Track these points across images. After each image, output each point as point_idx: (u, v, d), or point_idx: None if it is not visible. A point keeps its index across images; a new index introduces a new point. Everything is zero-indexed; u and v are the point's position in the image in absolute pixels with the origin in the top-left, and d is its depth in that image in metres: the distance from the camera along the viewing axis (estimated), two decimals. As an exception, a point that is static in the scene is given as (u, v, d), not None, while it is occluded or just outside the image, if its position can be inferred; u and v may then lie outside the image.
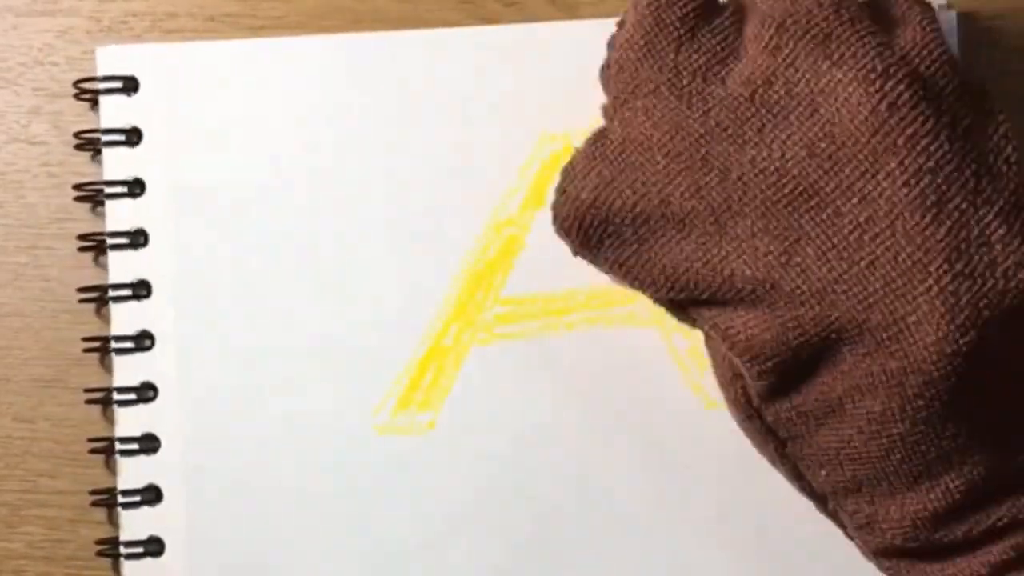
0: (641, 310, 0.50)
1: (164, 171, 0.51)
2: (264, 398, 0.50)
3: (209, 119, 0.51)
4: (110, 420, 0.51)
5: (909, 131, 0.38)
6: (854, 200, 0.38)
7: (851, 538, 0.43)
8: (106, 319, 0.51)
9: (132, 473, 0.50)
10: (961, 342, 0.37)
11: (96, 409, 0.51)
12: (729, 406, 0.43)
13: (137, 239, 0.51)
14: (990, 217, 0.38)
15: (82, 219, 0.52)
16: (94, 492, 0.51)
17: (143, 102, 0.51)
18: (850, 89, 0.39)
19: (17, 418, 0.52)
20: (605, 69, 0.43)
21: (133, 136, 0.51)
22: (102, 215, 0.51)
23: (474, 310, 0.50)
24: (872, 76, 0.39)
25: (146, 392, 0.51)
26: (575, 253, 0.43)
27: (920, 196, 0.38)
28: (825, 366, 0.39)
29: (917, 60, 0.39)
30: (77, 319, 0.52)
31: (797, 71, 0.40)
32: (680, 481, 0.49)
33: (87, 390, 0.51)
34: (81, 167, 0.52)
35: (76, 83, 0.51)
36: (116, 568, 0.51)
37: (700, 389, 0.49)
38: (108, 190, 0.51)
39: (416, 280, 0.50)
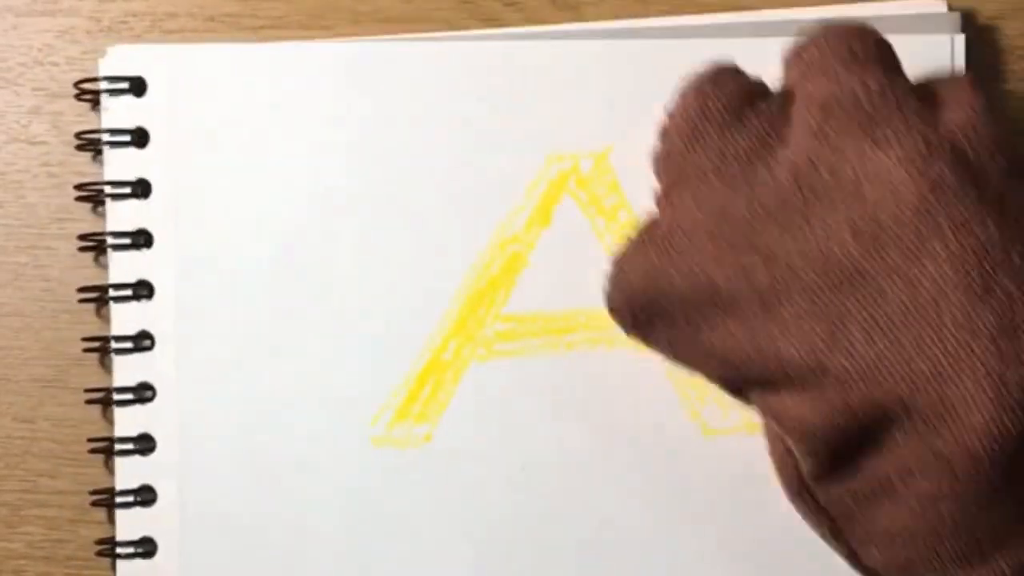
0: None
1: (169, 172, 0.50)
2: (261, 403, 0.50)
3: (215, 122, 0.50)
4: (110, 420, 0.51)
5: (954, 213, 0.38)
6: (900, 282, 0.38)
7: None
8: (106, 319, 0.51)
9: (128, 473, 0.51)
10: (1009, 424, 0.37)
11: (96, 409, 0.51)
12: (781, 484, 0.44)
13: (139, 240, 0.50)
14: None
15: (82, 219, 0.51)
16: (94, 492, 0.51)
17: (150, 103, 0.50)
18: (894, 172, 0.38)
19: (17, 418, 0.52)
20: (655, 158, 0.43)
21: (138, 136, 0.50)
22: (103, 215, 0.51)
23: (475, 326, 0.50)
24: (916, 158, 0.38)
25: (144, 393, 0.50)
26: (627, 334, 0.43)
27: (965, 278, 0.37)
28: (875, 446, 0.39)
29: (963, 141, 0.39)
30: (77, 319, 0.51)
31: (842, 154, 0.39)
32: (676, 506, 0.49)
33: (87, 390, 0.51)
34: (82, 167, 0.51)
35: (77, 83, 0.51)
36: (115, 568, 0.51)
37: (698, 416, 0.49)
38: (112, 191, 0.50)
39: (417, 293, 0.50)
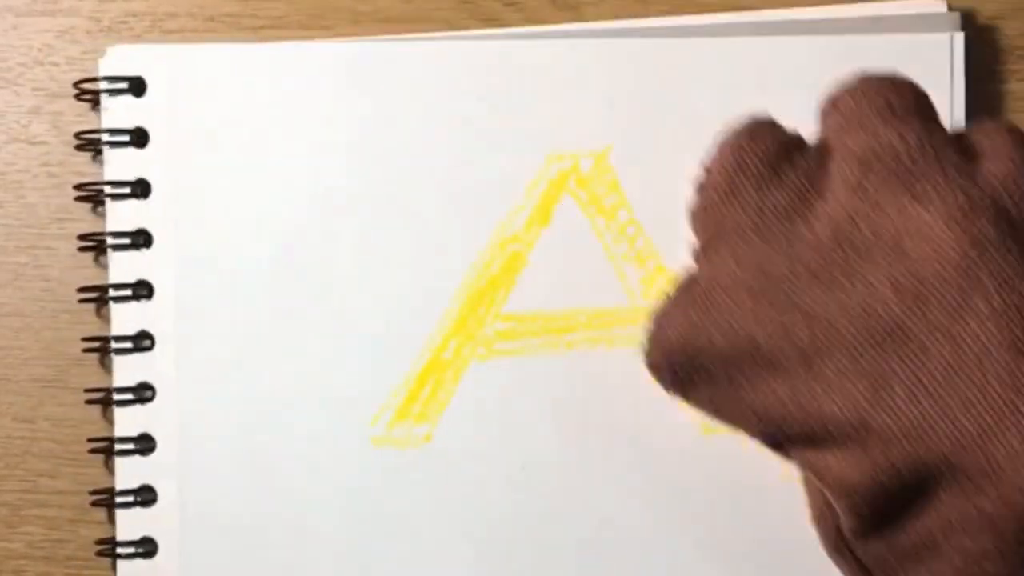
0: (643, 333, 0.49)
1: (169, 172, 0.50)
2: (261, 403, 0.50)
3: (215, 122, 0.50)
4: (110, 420, 0.51)
5: (997, 270, 0.38)
6: (942, 339, 0.38)
7: None
8: (106, 319, 0.51)
9: (128, 473, 0.51)
10: None
11: (96, 409, 0.51)
12: (821, 539, 0.43)
13: (139, 240, 0.50)
14: None
15: (82, 219, 0.51)
16: (94, 492, 0.51)
17: (150, 104, 0.50)
18: (935, 228, 0.38)
19: (17, 418, 0.52)
20: (692, 213, 0.43)
21: (138, 137, 0.50)
22: (103, 215, 0.51)
23: (475, 325, 0.50)
24: (957, 214, 0.38)
25: (144, 393, 0.50)
26: (666, 391, 0.43)
27: (1009, 335, 0.37)
28: (918, 504, 0.39)
29: (1004, 195, 0.39)
30: (77, 319, 0.51)
31: (882, 210, 0.39)
32: (676, 505, 0.49)
33: (87, 390, 0.51)
34: (81, 167, 0.51)
35: (77, 83, 0.51)
36: (115, 568, 0.51)
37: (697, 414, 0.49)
38: (112, 191, 0.50)
39: (418, 293, 0.50)
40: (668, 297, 0.42)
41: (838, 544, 0.42)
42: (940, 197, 0.39)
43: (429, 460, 0.50)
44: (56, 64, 0.52)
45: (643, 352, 0.43)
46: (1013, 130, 0.41)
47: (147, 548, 0.50)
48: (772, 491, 0.47)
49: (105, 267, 0.51)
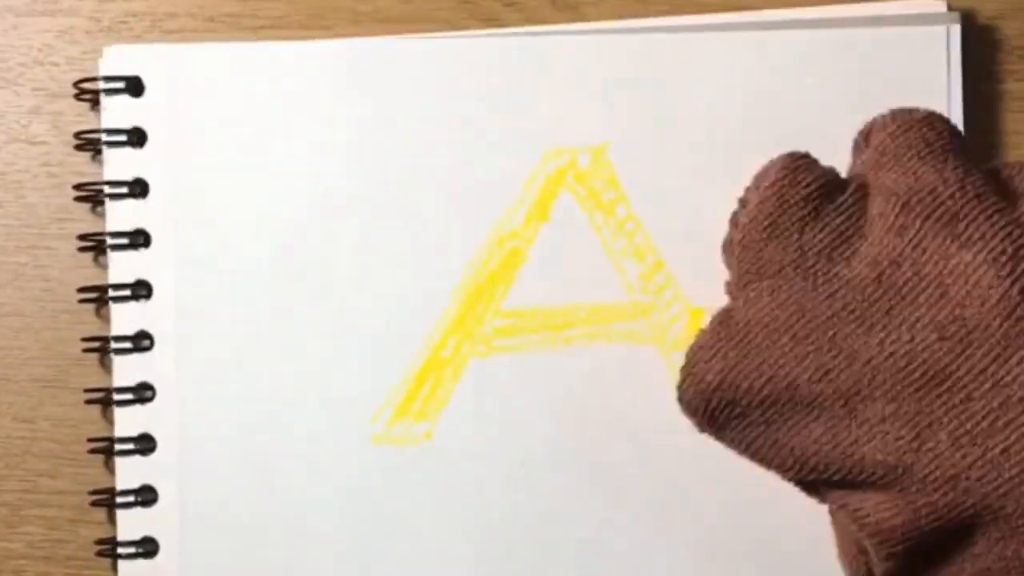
0: (641, 327, 0.49)
1: (167, 172, 0.51)
2: (261, 402, 0.50)
3: (213, 122, 0.51)
4: (110, 420, 0.51)
5: None
6: (986, 385, 0.38)
7: None
8: (106, 319, 0.51)
9: (128, 473, 0.51)
10: None
11: (96, 409, 0.51)
12: None
13: (138, 240, 0.51)
14: None
15: (82, 219, 0.51)
16: (94, 492, 0.51)
17: (148, 103, 0.51)
18: (980, 272, 0.38)
19: (17, 418, 0.52)
20: (728, 246, 0.43)
21: (136, 137, 0.51)
22: (102, 215, 0.51)
23: (474, 322, 0.50)
24: (1002, 259, 0.38)
25: (144, 393, 0.50)
26: (700, 431, 0.43)
27: None
28: (955, 549, 0.39)
29: None
30: (77, 319, 0.52)
31: (924, 252, 0.39)
32: (675, 502, 0.49)
33: (87, 390, 0.51)
34: (81, 167, 0.52)
35: (77, 83, 0.51)
36: (116, 568, 0.51)
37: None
38: (110, 190, 0.51)
39: (416, 290, 0.50)
40: (704, 334, 0.42)
41: None
42: (983, 240, 0.39)
43: (429, 458, 0.50)
44: (56, 64, 0.52)
45: (679, 390, 0.43)
46: None
47: (147, 548, 0.50)
48: (771, 488, 0.47)
49: (105, 267, 0.51)
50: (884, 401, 0.39)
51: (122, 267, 0.51)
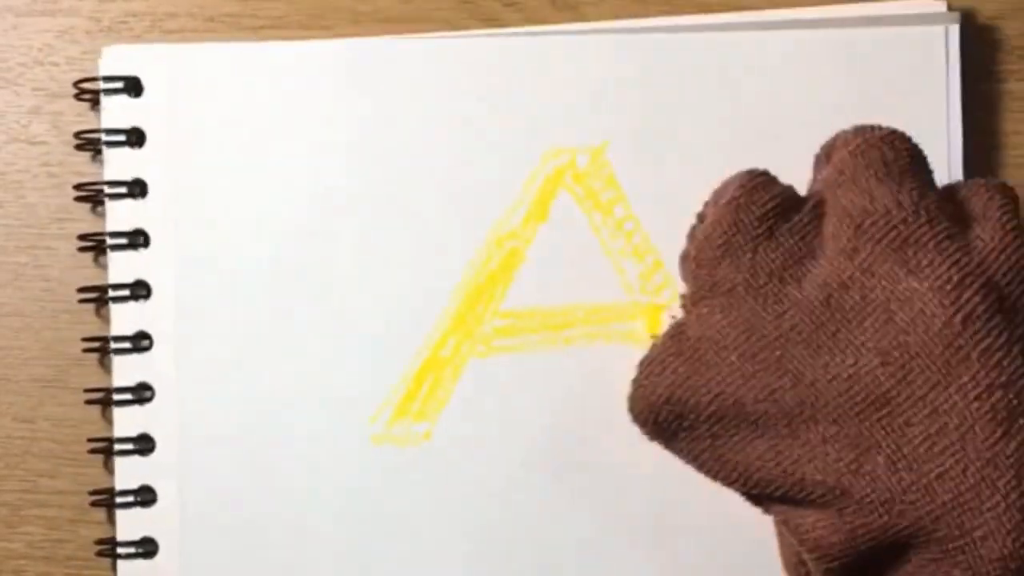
0: (640, 327, 0.49)
1: (166, 172, 0.51)
2: (261, 403, 0.50)
3: (212, 122, 0.51)
4: (110, 420, 0.51)
5: (982, 345, 0.38)
6: (925, 411, 0.38)
7: None
8: (106, 319, 0.51)
9: (128, 474, 0.51)
10: None
11: (96, 409, 0.51)
12: None
13: (137, 240, 0.51)
14: None
15: (82, 219, 0.51)
16: (93, 492, 0.51)
17: (147, 103, 0.51)
18: (925, 299, 0.39)
19: (17, 418, 0.52)
20: (684, 260, 0.43)
21: (135, 137, 0.51)
22: (102, 215, 0.51)
23: (473, 322, 0.50)
24: (947, 288, 0.38)
25: (143, 393, 0.50)
26: (649, 439, 0.44)
27: (991, 411, 0.38)
28: (890, 566, 0.40)
29: (994, 267, 0.39)
30: (77, 319, 0.52)
31: (873, 276, 0.39)
32: (676, 501, 0.49)
33: (87, 390, 0.51)
34: (81, 167, 0.52)
35: (77, 83, 0.51)
36: (115, 568, 0.51)
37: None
38: (110, 190, 0.51)
39: (416, 290, 0.50)
40: (656, 347, 0.43)
41: None
42: (931, 267, 0.39)
43: (428, 458, 0.50)
44: (56, 64, 0.52)
45: (628, 400, 0.43)
46: (1004, 191, 0.41)
47: (147, 548, 0.50)
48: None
49: (105, 267, 0.51)
50: (826, 423, 0.39)
51: (122, 267, 0.51)
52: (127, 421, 0.51)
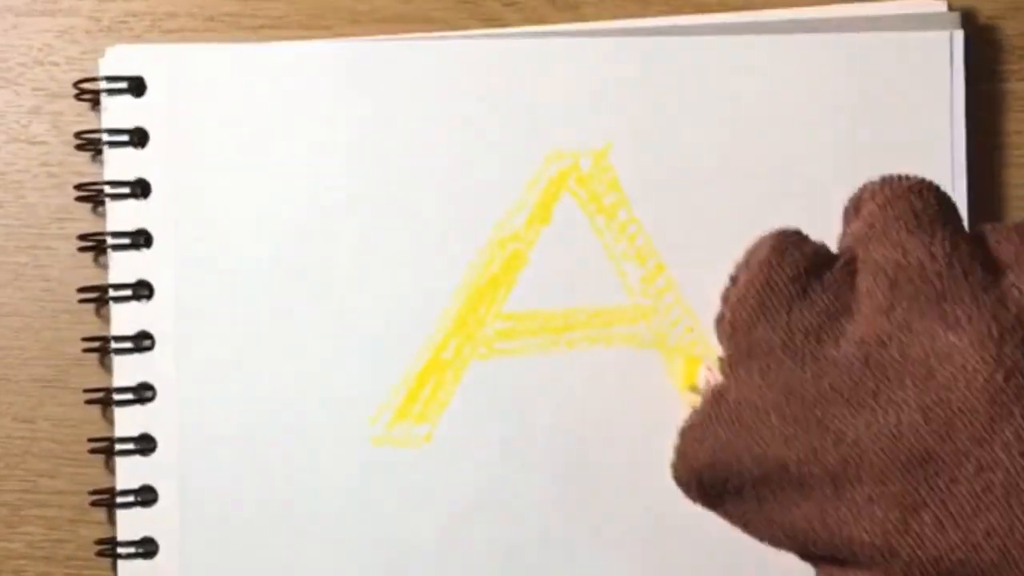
0: (642, 331, 0.49)
1: (168, 173, 0.50)
2: (261, 403, 0.50)
3: (215, 122, 0.51)
4: (110, 420, 0.51)
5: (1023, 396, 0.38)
6: (971, 468, 0.38)
7: None
8: (106, 319, 0.51)
9: (128, 473, 0.51)
10: None
11: (96, 409, 0.51)
12: None
13: (139, 240, 0.50)
14: None
15: (82, 219, 0.51)
16: (93, 492, 0.51)
17: (149, 103, 0.51)
18: (966, 355, 0.38)
19: (17, 418, 0.52)
20: (719, 323, 0.43)
21: (137, 137, 0.50)
22: (103, 215, 0.51)
23: (475, 324, 0.50)
24: (988, 343, 0.38)
25: (144, 393, 0.50)
26: (694, 503, 0.43)
27: None
28: None
29: None
30: (77, 319, 0.51)
31: (911, 332, 0.39)
32: (677, 503, 0.49)
33: (87, 390, 0.51)
34: (81, 167, 0.52)
35: (77, 83, 0.51)
36: (115, 568, 0.51)
37: (698, 412, 0.49)
38: (111, 191, 0.50)
39: (417, 292, 0.50)
40: (696, 412, 0.42)
41: None
42: (970, 322, 0.38)
43: (429, 460, 0.50)
44: (56, 64, 0.52)
45: (672, 467, 0.43)
46: None
47: (147, 548, 0.50)
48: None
49: (105, 267, 0.51)
50: (871, 482, 0.39)
51: (123, 267, 0.51)
52: (128, 421, 0.51)
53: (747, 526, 0.42)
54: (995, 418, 0.38)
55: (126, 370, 0.51)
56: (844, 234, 0.43)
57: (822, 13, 0.51)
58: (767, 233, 0.42)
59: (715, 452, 0.41)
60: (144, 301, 0.51)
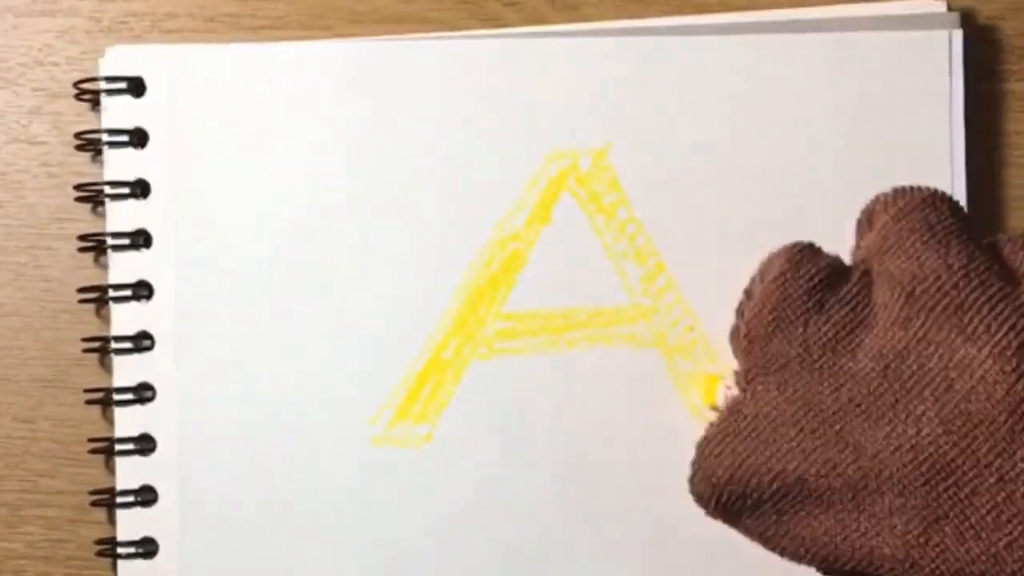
0: (643, 330, 0.49)
1: (168, 173, 0.50)
2: (261, 403, 0.50)
3: (215, 122, 0.51)
4: (110, 420, 0.51)
5: None
6: (991, 479, 0.38)
7: None
8: (106, 319, 0.51)
9: (128, 473, 0.51)
10: None
11: (96, 409, 0.51)
12: None
13: (139, 240, 0.51)
14: None
15: (82, 219, 0.51)
16: (93, 492, 0.51)
17: (149, 104, 0.51)
18: (985, 367, 0.38)
19: (17, 418, 0.52)
20: (734, 337, 0.43)
21: (137, 137, 0.50)
22: (102, 215, 0.51)
23: (475, 324, 0.50)
24: (1007, 353, 0.38)
25: (144, 393, 0.50)
26: (713, 519, 0.43)
27: None
28: None
29: None
30: (77, 319, 0.51)
31: (930, 345, 0.39)
32: (677, 503, 0.49)
33: (87, 390, 0.51)
34: (81, 167, 0.52)
35: (77, 83, 0.51)
36: (115, 568, 0.51)
37: (698, 412, 0.49)
38: (111, 191, 0.51)
39: (417, 292, 0.50)
40: (713, 427, 0.42)
41: None
42: (988, 333, 0.38)
43: (429, 460, 0.50)
44: (56, 64, 0.52)
45: (690, 483, 0.43)
46: None
47: (147, 548, 0.50)
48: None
49: (105, 267, 0.51)
50: (891, 494, 0.39)
51: (123, 267, 0.51)
52: (128, 421, 0.51)
53: (767, 541, 0.42)
54: (1015, 429, 0.38)
55: (126, 370, 0.51)
56: (858, 247, 0.43)
57: (822, 13, 0.51)
58: (781, 246, 0.42)
59: (733, 467, 0.41)
60: (144, 301, 0.51)
